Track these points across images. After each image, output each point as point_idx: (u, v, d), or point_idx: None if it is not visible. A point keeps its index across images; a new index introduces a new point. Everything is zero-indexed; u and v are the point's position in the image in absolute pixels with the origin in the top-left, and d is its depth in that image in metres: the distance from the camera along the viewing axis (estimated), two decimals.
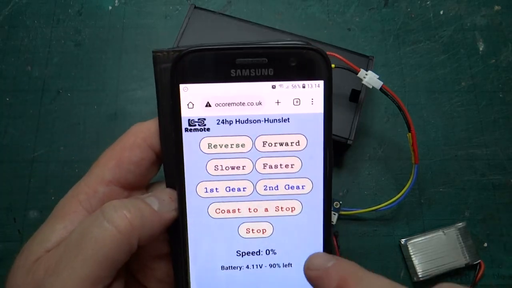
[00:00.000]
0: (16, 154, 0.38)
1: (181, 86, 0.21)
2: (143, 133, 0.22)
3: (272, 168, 0.22)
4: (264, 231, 0.23)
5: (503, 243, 0.37)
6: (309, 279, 0.20)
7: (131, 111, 0.39)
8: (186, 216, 0.22)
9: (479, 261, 0.35)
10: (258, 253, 0.23)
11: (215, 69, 0.21)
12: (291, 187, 0.22)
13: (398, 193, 0.35)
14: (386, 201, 0.35)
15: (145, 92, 0.40)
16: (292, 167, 0.22)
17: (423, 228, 0.37)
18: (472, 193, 0.38)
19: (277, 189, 0.22)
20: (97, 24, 0.42)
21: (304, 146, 0.22)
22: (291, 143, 0.22)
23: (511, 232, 0.37)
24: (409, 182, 0.35)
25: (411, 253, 0.35)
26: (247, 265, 0.23)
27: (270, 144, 0.22)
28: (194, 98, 0.22)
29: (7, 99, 0.39)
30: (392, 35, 0.42)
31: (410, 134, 0.34)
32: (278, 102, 0.22)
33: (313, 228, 0.23)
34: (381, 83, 0.34)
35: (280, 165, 0.22)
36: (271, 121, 0.22)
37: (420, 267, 0.35)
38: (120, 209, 0.20)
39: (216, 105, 0.22)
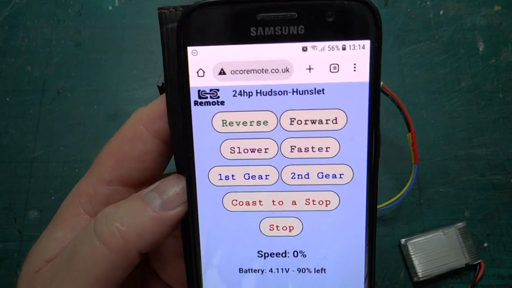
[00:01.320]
0: (16, 154, 0.38)
1: (189, 49, 0.18)
2: (143, 120, 0.19)
3: (301, 151, 0.18)
4: (291, 228, 0.19)
5: (503, 243, 0.37)
6: None
7: (131, 111, 0.39)
8: (196, 208, 0.19)
9: (479, 261, 0.35)
10: (284, 254, 0.19)
11: (231, 27, 0.17)
12: (325, 176, 0.18)
13: (398, 193, 0.35)
14: (386, 201, 0.35)
15: (145, 92, 0.40)
16: (327, 150, 0.18)
17: (423, 228, 0.37)
18: (472, 193, 0.38)
19: (308, 177, 0.18)
20: (97, 24, 0.42)
21: (343, 125, 0.18)
22: (327, 120, 0.18)
23: (511, 232, 0.37)
24: (409, 182, 0.35)
25: (411, 253, 0.35)
26: (271, 269, 0.19)
27: (299, 122, 0.18)
28: (205, 64, 0.18)
29: (7, 99, 0.39)
30: (392, 35, 0.42)
31: (410, 134, 0.34)
32: (310, 69, 0.18)
33: (353, 228, 0.19)
34: (381, 82, 0.34)
35: (312, 148, 0.18)
36: (301, 92, 0.18)
37: (420, 267, 0.35)
38: (112, 221, 0.18)
39: (232, 72, 0.18)
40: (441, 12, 0.43)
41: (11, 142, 0.38)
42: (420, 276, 0.35)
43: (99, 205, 0.19)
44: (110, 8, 0.42)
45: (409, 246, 0.35)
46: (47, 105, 0.39)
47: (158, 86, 0.36)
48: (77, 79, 0.40)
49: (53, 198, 0.37)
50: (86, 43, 0.41)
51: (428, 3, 0.43)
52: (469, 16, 0.43)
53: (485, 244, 0.37)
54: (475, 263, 0.35)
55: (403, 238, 0.36)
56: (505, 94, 0.41)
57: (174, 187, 0.19)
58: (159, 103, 0.19)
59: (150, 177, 0.20)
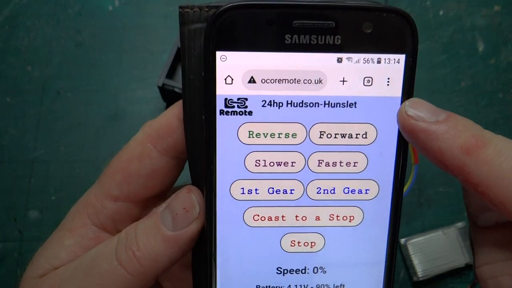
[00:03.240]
0: (16, 154, 0.38)
1: (218, 53, 0.17)
2: (152, 137, 0.18)
3: (329, 166, 0.18)
4: (313, 244, 0.18)
5: None
6: (409, 130, 0.16)
7: (131, 111, 0.39)
8: (215, 223, 0.18)
9: None
10: (303, 271, 0.19)
11: (265, 33, 0.16)
12: (351, 191, 0.18)
13: None
14: None
15: (145, 92, 0.40)
16: (355, 165, 0.18)
17: (423, 228, 0.37)
18: None
19: (334, 192, 0.18)
20: (97, 24, 0.42)
21: (373, 140, 0.18)
22: (357, 134, 0.18)
23: None
24: (409, 182, 0.35)
25: (411, 253, 0.35)
26: (289, 285, 0.19)
27: (329, 135, 0.17)
28: (234, 70, 0.17)
29: (8, 99, 0.39)
30: None
31: None
32: (344, 81, 0.17)
33: (374, 244, 0.18)
34: None
35: (340, 162, 0.18)
36: (332, 105, 0.17)
37: (420, 267, 0.35)
38: (129, 245, 0.18)
39: (263, 81, 0.17)
40: (441, 12, 0.43)
41: (11, 142, 0.38)
42: (420, 276, 0.35)
43: (105, 219, 0.19)
44: (110, 8, 0.42)
45: (408, 246, 0.35)
46: (47, 105, 0.39)
47: (158, 87, 0.36)
48: (77, 79, 0.40)
49: (53, 198, 0.37)
50: (86, 43, 0.41)
51: (427, 3, 0.43)
52: (469, 16, 0.43)
53: None
54: None
55: (403, 238, 0.36)
56: (505, 94, 0.41)
57: (183, 203, 0.18)
58: (168, 118, 0.19)
59: (159, 192, 0.20)
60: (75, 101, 0.39)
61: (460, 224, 0.36)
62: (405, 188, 0.35)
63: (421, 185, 0.38)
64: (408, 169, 0.36)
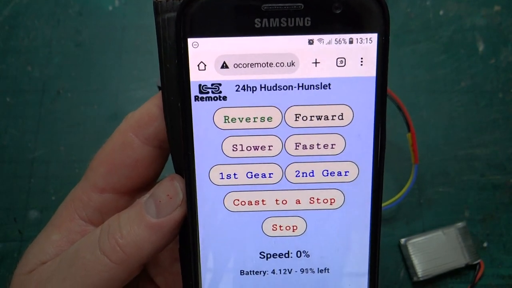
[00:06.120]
0: (16, 154, 0.38)
1: (190, 40, 0.17)
2: (133, 127, 0.19)
3: (306, 148, 0.18)
4: (294, 228, 0.18)
5: (503, 243, 0.37)
6: None
7: (131, 111, 0.39)
8: (196, 209, 0.18)
9: (479, 261, 0.35)
10: (286, 255, 0.19)
11: (235, 18, 0.17)
12: (330, 173, 0.18)
13: (398, 193, 0.35)
14: (386, 201, 0.35)
15: (145, 92, 0.40)
16: (332, 147, 0.18)
17: (422, 228, 0.37)
18: (472, 193, 0.38)
19: (313, 175, 0.18)
20: (97, 24, 0.42)
21: (350, 121, 0.18)
22: (332, 116, 0.18)
23: (511, 232, 0.37)
24: (409, 182, 0.35)
25: (411, 253, 0.35)
26: (273, 270, 0.19)
27: (304, 118, 0.18)
28: (207, 56, 0.17)
29: (8, 99, 0.39)
30: (391, 35, 0.42)
31: (409, 134, 0.34)
32: (316, 63, 0.17)
33: (357, 226, 0.18)
34: None
35: (317, 144, 0.18)
36: (306, 87, 0.17)
37: (420, 267, 0.35)
38: (113, 233, 0.18)
39: (235, 66, 0.17)
40: (441, 12, 0.43)
41: (11, 142, 0.38)
42: (420, 276, 0.35)
43: (92, 212, 0.19)
44: (110, 8, 0.42)
45: (408, 246, 0.35)
46: (47, 105, 0.39)
47: (158, 87, 0.36)
48: (77, 79, 0.40)
49: (53, 198, 0.37)
50: (86, 43, 0.41)
51: (427, 3, 0.43)
52: (469, 16, 0.43)
53: (485, 244, 0.37)
54: (474, 263, 0.35)
55: (403, 238, 0.36)
56: (505, 94, 0.41)
57: (166, 190, 0.18)
58: (148, 107, 0.19)
59: (145, 183, 0.20)
60: (75, 101, 0.39)
61: (460, 224, 0.36)
62: (405, 188, 0.35)
63: (421, 185, 0.38)
64: (408, 169, 0.36)
